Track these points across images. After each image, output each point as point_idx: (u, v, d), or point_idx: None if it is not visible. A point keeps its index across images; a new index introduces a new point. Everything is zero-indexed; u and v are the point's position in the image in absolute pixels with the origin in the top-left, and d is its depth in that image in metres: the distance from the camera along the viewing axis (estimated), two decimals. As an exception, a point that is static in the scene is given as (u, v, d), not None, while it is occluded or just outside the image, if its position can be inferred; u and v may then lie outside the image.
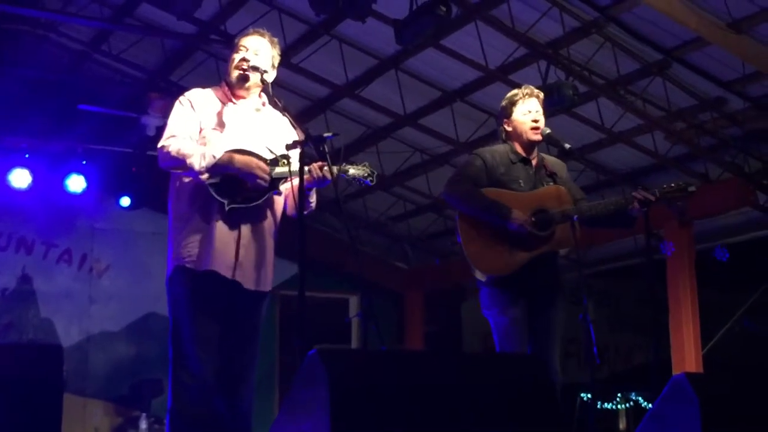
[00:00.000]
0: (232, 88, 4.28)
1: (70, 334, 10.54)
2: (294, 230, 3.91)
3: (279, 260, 4.32)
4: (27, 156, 9.70)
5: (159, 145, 4.12)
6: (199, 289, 4.04)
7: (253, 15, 8.09)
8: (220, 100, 4.27)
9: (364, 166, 4.28)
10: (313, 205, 4.30)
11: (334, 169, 4.05)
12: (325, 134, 3.97)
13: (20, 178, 9.67)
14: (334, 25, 8.38)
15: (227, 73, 4.30)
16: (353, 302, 12.79)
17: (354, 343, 12.33)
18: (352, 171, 4.23)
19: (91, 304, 10.77)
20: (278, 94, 4.20)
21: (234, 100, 4.27)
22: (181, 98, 4.26)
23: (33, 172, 9.71)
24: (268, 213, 4.21)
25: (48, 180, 9.96)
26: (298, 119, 4.19)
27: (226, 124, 4.19)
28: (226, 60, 4.44)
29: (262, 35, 4.31)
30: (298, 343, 3.68)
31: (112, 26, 9.03)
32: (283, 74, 8.52)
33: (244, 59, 4.21)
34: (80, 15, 8.74)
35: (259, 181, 4.06)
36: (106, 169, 10.17)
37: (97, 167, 10.05)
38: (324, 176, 4.03)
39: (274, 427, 3.37)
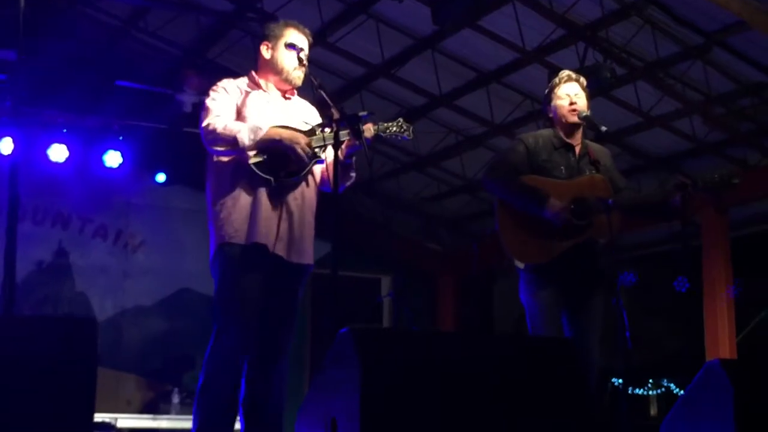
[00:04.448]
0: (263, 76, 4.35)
1: (104, 309, 10.63)
2: (327, 209, 3.93)
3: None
4: (65, 131, 9.76)
5: (203, 125, 4.13)
6: (243, 261, 4.07)
7: (290, -7, 8.08)
8: (250, 88, 4.32)
9: (399, 121, 4.41)
10: (353, 177, 4.33)
11: (372, 128, 4.17)
12: (361, 113, 3.99)
13: (57, 153, 9.73)
14: (371, 4, 8.35)
15: (272, 65, 4.32)
16: (385, 282, 12.81)
17: (386, 323, 12.35)
18: (389, 129, 4.36)
19: (125, 278, 10.85)
20: (314, 72, 4.21)
21: (264, 87, 4.34)
22: (214, 87, 4.31)
23: (70, 147, 9.76)
24: (309, 187, 4.26)
25: (84, 155, 10.01)
26: (334, 98, 4.19)
27: (257, 109, 4.23)
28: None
29: (302, 32, 4.36)
30: (330, 321, 3.70)
31: (150, 3, 9.06)
32: (319, 53, 8.54)
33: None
34: (118, -9, 8.78)
35: (300, 154, 4.09)
36: (142, 145, 10.21)
37: (133, 143, 10.09)
38: (363, 136, 4.03)
39: (304, 405, 3.38)
